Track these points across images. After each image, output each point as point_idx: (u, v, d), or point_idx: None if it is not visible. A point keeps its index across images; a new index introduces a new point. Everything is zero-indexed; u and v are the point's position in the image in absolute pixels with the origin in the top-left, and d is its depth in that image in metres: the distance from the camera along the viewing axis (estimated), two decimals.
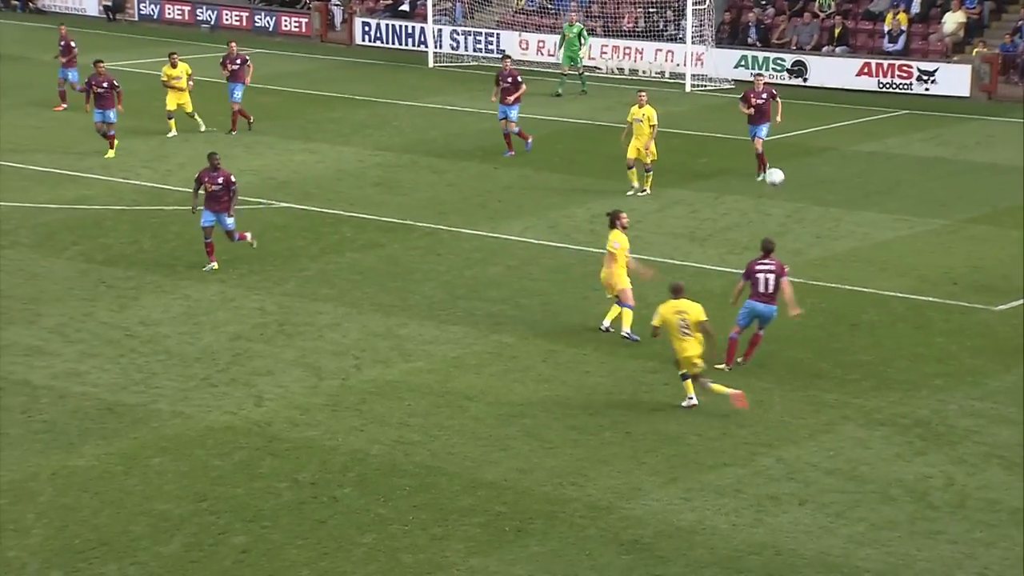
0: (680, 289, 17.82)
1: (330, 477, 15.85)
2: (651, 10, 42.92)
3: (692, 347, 17.53)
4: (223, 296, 21.77)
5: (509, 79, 30.82)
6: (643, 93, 28.33)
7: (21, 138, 31.10)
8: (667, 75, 41.42)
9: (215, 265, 22.74)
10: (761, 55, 41.02)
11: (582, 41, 39.43)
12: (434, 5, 43.90)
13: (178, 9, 50.42)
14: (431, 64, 43.25)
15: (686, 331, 17.52)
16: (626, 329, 20.06)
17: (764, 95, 29.38)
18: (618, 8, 43.46)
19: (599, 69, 42.30)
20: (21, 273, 22.43)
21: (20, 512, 14.74)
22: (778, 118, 29.29)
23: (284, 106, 37.01)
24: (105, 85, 29.66)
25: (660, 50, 41.98)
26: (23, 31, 48.08)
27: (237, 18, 49.36)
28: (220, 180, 22.64)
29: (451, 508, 15.18)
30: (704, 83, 40.21)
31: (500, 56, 39.39)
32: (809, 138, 33.82)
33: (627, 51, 42.46)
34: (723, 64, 40.71)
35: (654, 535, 14.63)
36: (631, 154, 27.96)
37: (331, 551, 14.23)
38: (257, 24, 48.99)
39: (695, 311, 17.53)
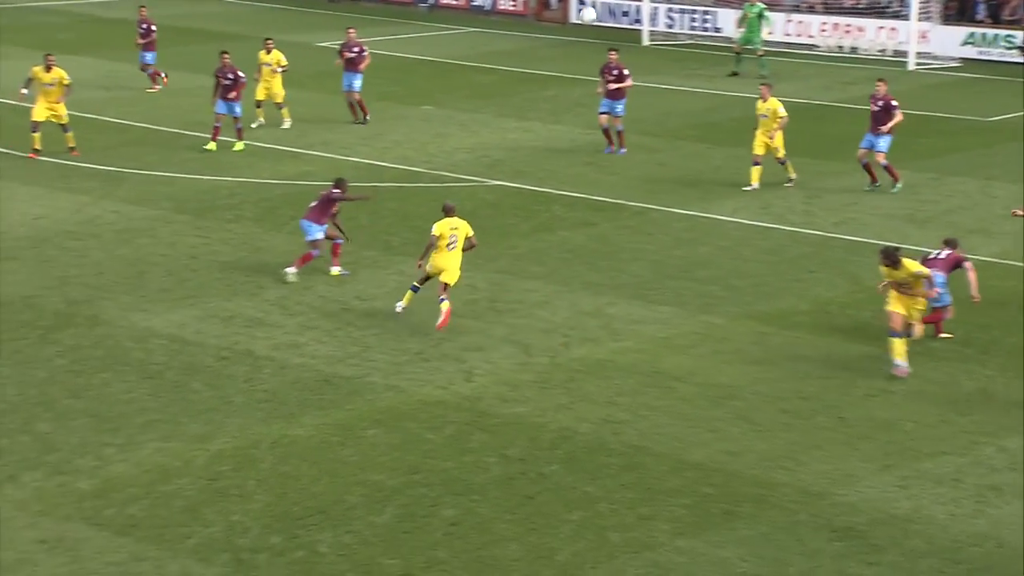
0: (451, 209, 19.73)
1: (538, 454, 15.99)
2: None
3: (451, 260, 19.41)
4: None
5: (615, 72, 28.85)
6: (765, 86, 26.64)
7: (248, 116, 32.12)
8: (889, 53, 40.34)
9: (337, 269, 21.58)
10: (991, 32, 39.61)
11: (763, 22, 38.49)
12: None
13: None
14: (646, 42, 43.05)
15: (452, 246, 19.54)
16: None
17: (881, 103, 26.98)
18: None
19: (818, 47, 41.47)
20: (245, 247, 23.20)
21: (243, 478, 15.29)
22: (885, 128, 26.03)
23: (499, 84, 37.36)
24: (231, 77, 28.36)
25: (882, 27, 40.91)
26: (256, 12, 49.60)
27: None
28: None
29: (658, 488, 15.16)
30: (928, 61, 39.04)
31: (715, 34, 38.99)
32: None
33: (847, 28, 41.52)
34: (949, 42, 39.45)
35: (868, 523, 14.35)
36: (758, 150, 26.50)
37: (539, 527, 14.37)
38: (475, 3, 49.50)
39: (465, 227, 19.58)
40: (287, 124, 30.76)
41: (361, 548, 13.93)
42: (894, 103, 26.37)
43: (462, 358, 18.75)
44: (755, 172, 26.63)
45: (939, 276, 18.67)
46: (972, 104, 34.49)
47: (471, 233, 19.63)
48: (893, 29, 40.56)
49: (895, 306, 17.98)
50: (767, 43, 39.22)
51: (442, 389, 17.77)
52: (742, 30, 38.83)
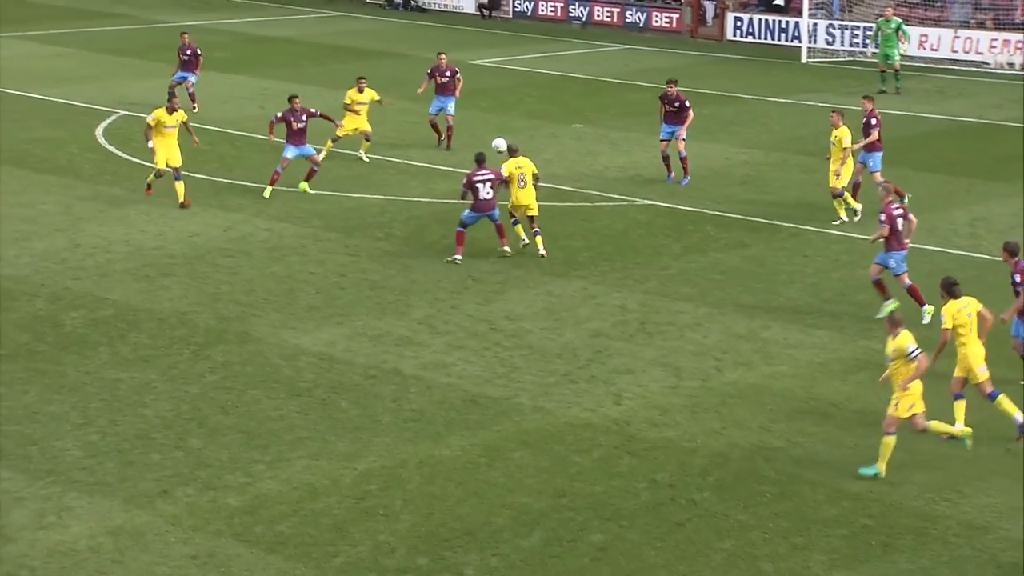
0: (515, 150, 23.72)
1: (689, 479, 15.90)
2: None
3: (528, 196, 23.19)
4: (585, 293, 22.17)
5: (676, 104, 27.92)
6: (835, 114, 25.18)
7: (399, 133, 32.61)
8: None
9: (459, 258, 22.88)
10: None
11: (901, 36, 37.75)
12: None
13: (551, 6, 51.60)
14: (805, 59, 42.63)
15: (523, 183, 23.18)
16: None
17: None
18: None
19: (988, 64, 40.60)
20: (394, 265, 23.53)
21: (390, 498, 15.49)
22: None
23: (651, 102, 37.26)
24: (305, 119, 26.96)
25: None
26: (404, 29, 50.38)
27: (608, 14, 50.11)
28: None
29: (814, 518, 14.96)
30: None
31: (877, 51, 38.47)
32: None
33: (1020, 45, 40.54)
34: None
35: None
36: (831, 182, 25.21)
37: (689, 555, 14.28)
38: (628, 20, 49.56)
39: (529, 165, 23.02)
40: (365, 157, 30.00)
41: (508, 572, 14.01)
42: (873, 122, 25.67)
43: (611, 380, 18.74)
44: (838, 204, 25.41)
45: None
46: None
47: (535, 171, 23.68)
48: None
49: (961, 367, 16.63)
50: (905, 57, 38.67)
51: (590, 412, 17.78)
52: (877, 48, 38.23)
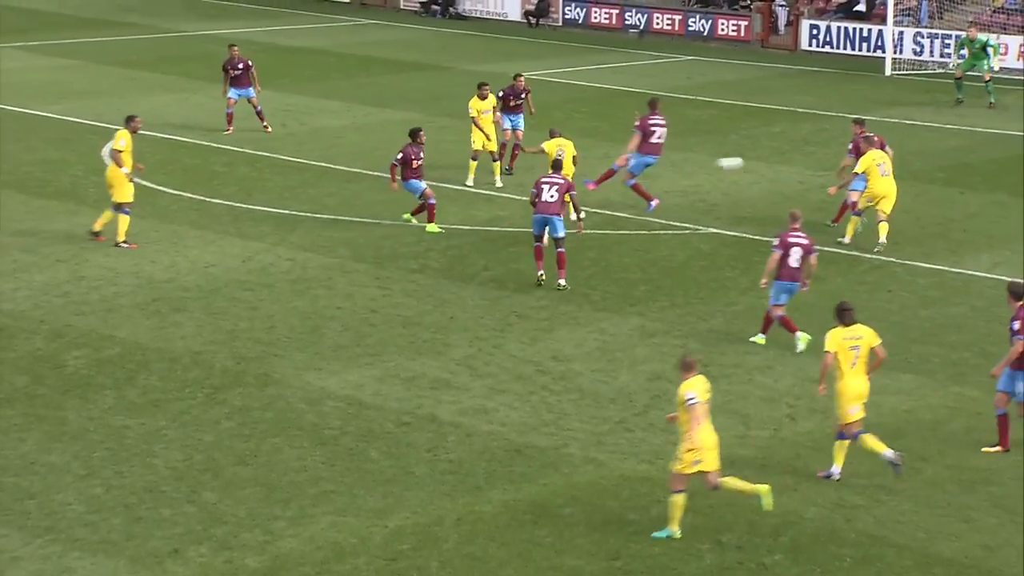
0: (556, 132, 26.85)
1: (758, 541, 15.83)
2: None
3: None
4: (642, 331, 22.16)
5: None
6: (871, 134, 26.49)
7: (436, 154, 32.74)
8: None
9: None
10: None
11: (989, 54, 37.74)
12: (896, 4, 43.16)
13: (605, 13, 51.81)
14: (888, 71, 42.57)
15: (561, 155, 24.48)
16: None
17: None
18: None
19: None
20: (430, 299, 23.61)
21: (424, 559, 15.50)
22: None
23: (718, 119, 37.35)
24: (419, 158, 26.84)
25: None
26: (443, 38, 50.68)
27: (669, 22, 50.25)
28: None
29: None
30: None
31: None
32: None
33: None
34: None
35: None
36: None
37: None
38: (691, 28, 49.68)
39: (571, 147, 22.30)
40: (499, 183, 30.03)
41: None
42: (849, 146, 26.69)
43: (671, 429, 18.70)
44: (881, 228, 25.73)
45: None
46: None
47: (575, 154, 26.67)
48: None
49: None
50: (1003, 70, 38.79)
51: (648, 464, 17.74)
52: (960, 60, 38.25)
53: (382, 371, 20.58)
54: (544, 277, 24.01)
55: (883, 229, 25.75)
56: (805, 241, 21.28)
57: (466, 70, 44.32)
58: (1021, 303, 17.90)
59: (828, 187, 27.50)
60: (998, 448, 17.91)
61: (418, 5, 55.68)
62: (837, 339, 17.28)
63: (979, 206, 28.70)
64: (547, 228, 23.90)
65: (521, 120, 31.38)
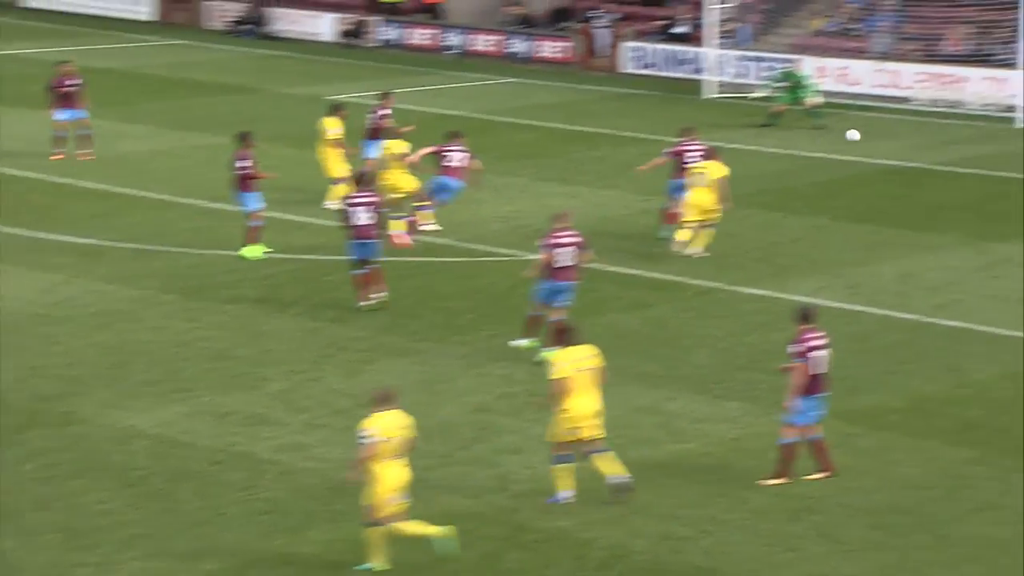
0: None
1: (585, 575, 15.88)
2: (979, 30, 41.98)
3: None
4: (467, 361, 22.17)
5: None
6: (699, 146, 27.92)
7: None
8: (996, 107, 40.43)
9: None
10: None
11: (804, 87, 39.16)
12: (718, 25, 43.98)
13: (423, 33, 51.92)
14: (711, 94, 43.33)
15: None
16: None
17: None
18: (939, 28, 42.66)
19: (914, 100, 41.63)
20: (244, 331, 23.34)
21: None
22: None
23: (540, 143, 37.62)
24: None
25: (989, 78, 41.00)
26: (254, 59, 50.27)
27: (488, 43, 50.54)
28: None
29: None
30: None
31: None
32: None
33: (948, 79, 41.64)
34: None
35: None
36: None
37: None
38: (511, 50, 50.03)
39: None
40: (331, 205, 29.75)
41: None
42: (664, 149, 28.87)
43: (496, 462, 18.71)
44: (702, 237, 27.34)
45: None
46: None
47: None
48: (1002, 80, 40.63)
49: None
50: (824, 93, 40.29)
51: (473, 499, 17.72)
52: (777, 92, 39.47)
53: (193, 407, 20.27)
54: (368, 306, 23.94)
55: (686, 236, 27.10)
56: (575, 240, 21.73)
57: (280, 92, 44.01)
58: (804, 327, 18.16)
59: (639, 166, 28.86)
60: (821, 475, 18.16)
61: (227, 25, 55.15)
62: (562, 362, 17.32)
63: (802, 230, 29.34)
64: (366, 251, 23.91)
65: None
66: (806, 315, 18.15)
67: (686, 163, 27.73)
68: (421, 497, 17.69)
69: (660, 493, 17.86)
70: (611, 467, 17.36)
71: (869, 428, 19.66)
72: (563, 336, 17.76)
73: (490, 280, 26.23)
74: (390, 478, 15.67)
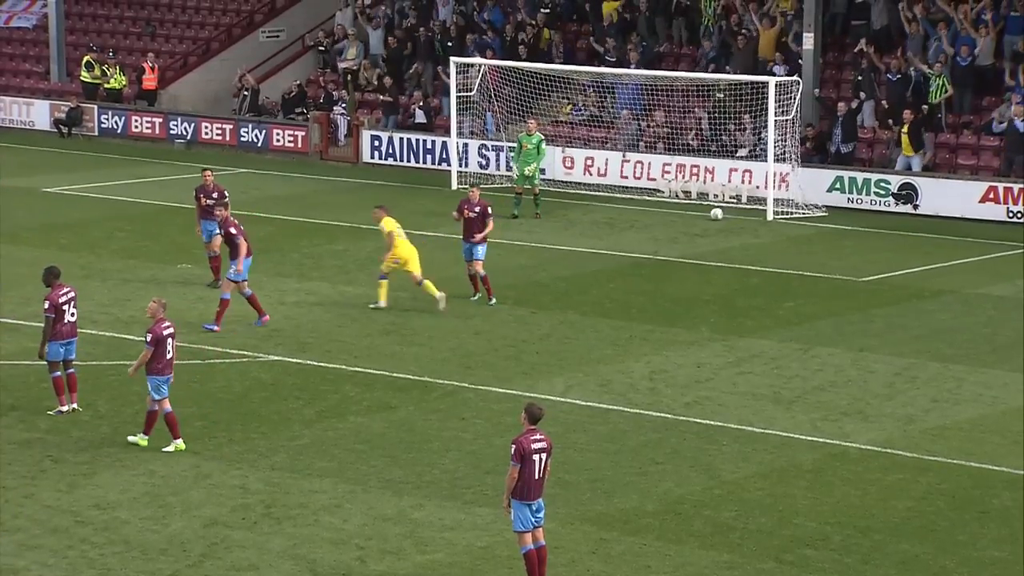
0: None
1: None
2: (723, 122, 43.32)
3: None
4: (197, 472, 21.77)
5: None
6: (379, 209, 30.81)
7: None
8: (744, 199, 41.68)
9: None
10: (860, 176, 41.25)
11: (540, 154, 40.04)
12: (459, 115, 44.49)
13: (147, 121, 51.32)
14: (455, 186, 43.77)
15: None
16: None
17: (478, 208, 30.85)
18: (683, 118, 43.91)
19: (660, 192, 42.65)
20: None
21: None
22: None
23: (275, 237, 37.40)
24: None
25: (735, 169, 42.30)
26: None
27: (219, 131, 50.20)
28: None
29: None
30: (790, 210, 40.46)
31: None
32: (922, 278, 33.84)
33: (694, 170, 42.80)
34: (811, 187, 40.97)
35: None
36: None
37: None
38: (243, 139, 49.78)
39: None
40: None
41: None
42: (490, 210, 31.00)
43: None
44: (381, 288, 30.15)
45: None
46: (843, 261, 35.71)
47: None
48: (748, 171, 41.93)
49: None
50: (571, 184, 41.25)
51: None
52: (516, 165, 40.31)
53: None
54: (69, 411, 23.62)
55: (430, 287, 29.90)
56: (172, 329, 22.63)
57: None
58: (532, 427, 18.12)
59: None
60: None
61: None
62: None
63: (550, 326, 29.68)
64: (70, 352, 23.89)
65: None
66: (533, 414, 18.10)
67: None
68: None
69: None
70: None
71: (622, 533, 19.84)
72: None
73: (223, 383, 25.86)
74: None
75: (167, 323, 22.63)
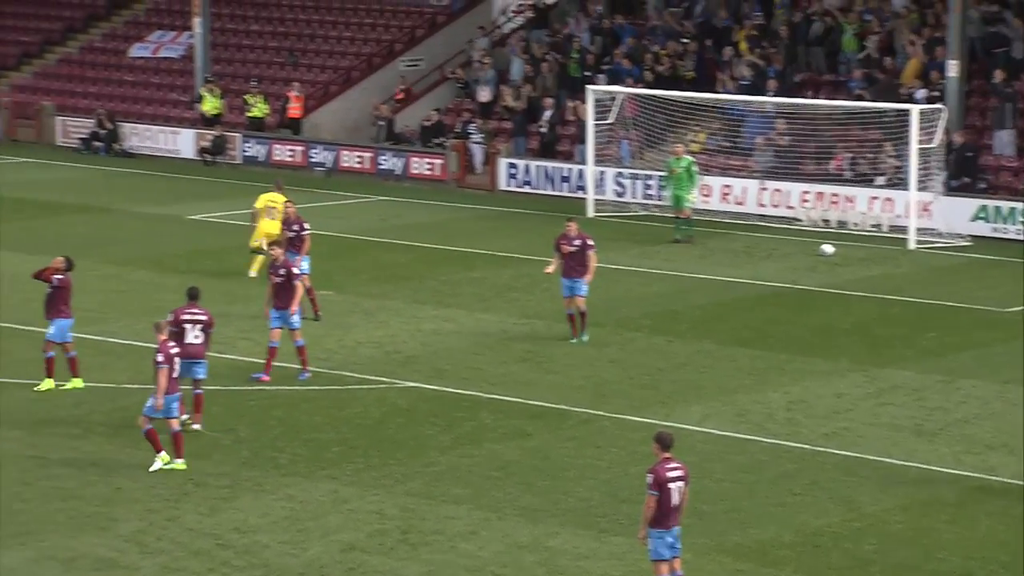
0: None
1: None
2: (865, 149, 42.93)
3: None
4: (335, 497, 21.97)
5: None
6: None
7: (100, 304, 32.04)
8: (885, 228, 41.26)
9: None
10: (1006, 205, 40.62)
11: (691, 177, 39.82)
12: (597, 143, 44.55)
13: (289, 150, 51.98)
14: (591, 213, 43.78)
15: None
16: None
17: (578, 242, 29.80)
18: (823, 147, 43.57)
19: (800, 220, 42.36)
20: (94, 468, 22.93)
21: None
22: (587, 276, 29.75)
23: (414, 264, 37.69)
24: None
25: (876, 197, 41.88)
26: (108, 177, 49.95)
27: (358, 160, 50.71)
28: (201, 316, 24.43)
29: None
30: (932, 239, 39.96)
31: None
32: None
33: (834, 198, 42.45)
34: (957, 216, 40.43)
35: None
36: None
37: None
38: (382, 167, 50.22)
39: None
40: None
41: None
42: (590, 243, 30.03)
43: None
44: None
45: None
46: (988, 291, 35.16)
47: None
48: (889, 200, 41.51)
49: None
50: (708, 212, 41.47)
51: None
52: (668, 191, 40.19)
53: (36, 552, 19.81)
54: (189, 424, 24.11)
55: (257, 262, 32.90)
56: (178, 349, 23.03)
57: (135, 212, 43.77)
58: (667, 455, 18.00)
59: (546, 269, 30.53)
60: None
61: (78, 142, 54.80)
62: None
63: (687, 355, 29.57)
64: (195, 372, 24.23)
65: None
66: (664, 442, 18.03)
67: None
68: None
69: None
70: None
71: (759, 564, 19.71)
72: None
73: (360, 409, 26.08)
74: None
75: (172, 342, 22.93)
